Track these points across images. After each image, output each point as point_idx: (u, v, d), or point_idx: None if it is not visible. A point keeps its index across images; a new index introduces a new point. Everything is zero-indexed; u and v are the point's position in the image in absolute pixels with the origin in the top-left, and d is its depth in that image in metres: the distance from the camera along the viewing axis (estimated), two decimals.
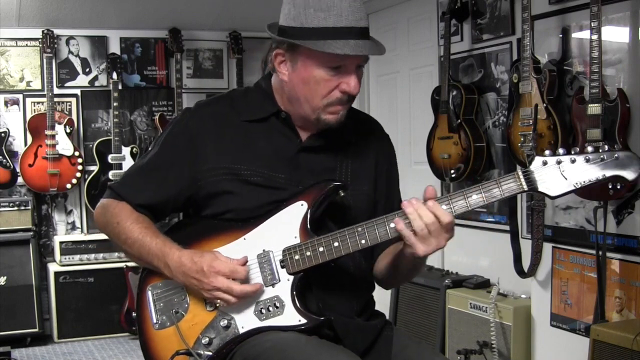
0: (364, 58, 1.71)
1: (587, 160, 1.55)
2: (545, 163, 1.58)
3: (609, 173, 1.55)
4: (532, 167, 1.58)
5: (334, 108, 1.73)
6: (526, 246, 3.51)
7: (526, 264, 3.50)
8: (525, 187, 1.58)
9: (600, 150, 1.56)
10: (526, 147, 3.20)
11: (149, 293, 1.81)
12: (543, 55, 3.38)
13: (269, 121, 1.82)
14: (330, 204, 1.76)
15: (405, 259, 1.72)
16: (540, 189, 1.58)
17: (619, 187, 2.84)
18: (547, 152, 1.59)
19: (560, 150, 1.58)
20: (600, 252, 3.08)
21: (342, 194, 1.75)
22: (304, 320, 1.69)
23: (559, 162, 1.57)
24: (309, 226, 1.72)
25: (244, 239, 1.76)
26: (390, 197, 1.93)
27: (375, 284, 1.94)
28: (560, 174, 1.56)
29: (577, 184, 1.56)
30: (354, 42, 1.64)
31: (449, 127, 3.89)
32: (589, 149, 1.56)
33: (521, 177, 1.59)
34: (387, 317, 2.05)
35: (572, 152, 1.57)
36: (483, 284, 3.81)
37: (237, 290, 1.68)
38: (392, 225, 1.64)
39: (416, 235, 1.59)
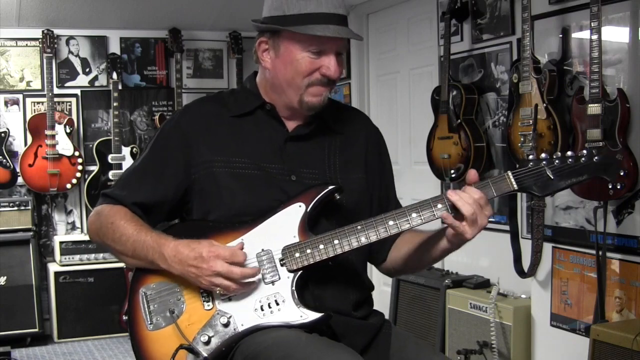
0: (343, 44, 1.80)
1: (570, 164, 1.71)
2: (532, 165, 1.72)
3: (591, 174, 1.71)
4: (521, 169, 1.72)
5: (315, 89, 1.79)
6: (526, 246, 3.51)
7: (526, 264, 3.49)
8: (516, 187, 1.71)
9: (579, 154, 1.72)
10: (526, 147, 3.20)
11: (142, 295, 1.78)
12: (543, 55, 3.38)
13: (256, 114, 1.88)
14: (326, 205, 1.79)
15: (438, 249, 1.81)
16: (528, 189, 1.72)
17: (619, 187, 2.85)
18: (530, 156, 1.74)
19: (543, 155, 1.73)
20: (600, 252, 3.08)
21: (338, 197, 1.79)
22: (305, 316, 1.69)
23: (545, 165, 1.71)
24: (307, 226, 1.75)
25: (242, 239, 1.76)
26: (386, 187, 1.98)
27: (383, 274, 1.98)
28: (546, 176, 1.70)
29: (561, 183, 1.72)
30: (333, 27, 1.74)
31: (449, 127, 3.88)
32: (569, 153, 1.73)
33: (511, 177, 1.71)
34: (387, 317, 2.06)
35: (554, 157, 1.72)
36: (483, 284, 3.81)
37: (238, 273, 1.67)
38: (390, 222, 1.70)
39: (466, 221, 1.67)
